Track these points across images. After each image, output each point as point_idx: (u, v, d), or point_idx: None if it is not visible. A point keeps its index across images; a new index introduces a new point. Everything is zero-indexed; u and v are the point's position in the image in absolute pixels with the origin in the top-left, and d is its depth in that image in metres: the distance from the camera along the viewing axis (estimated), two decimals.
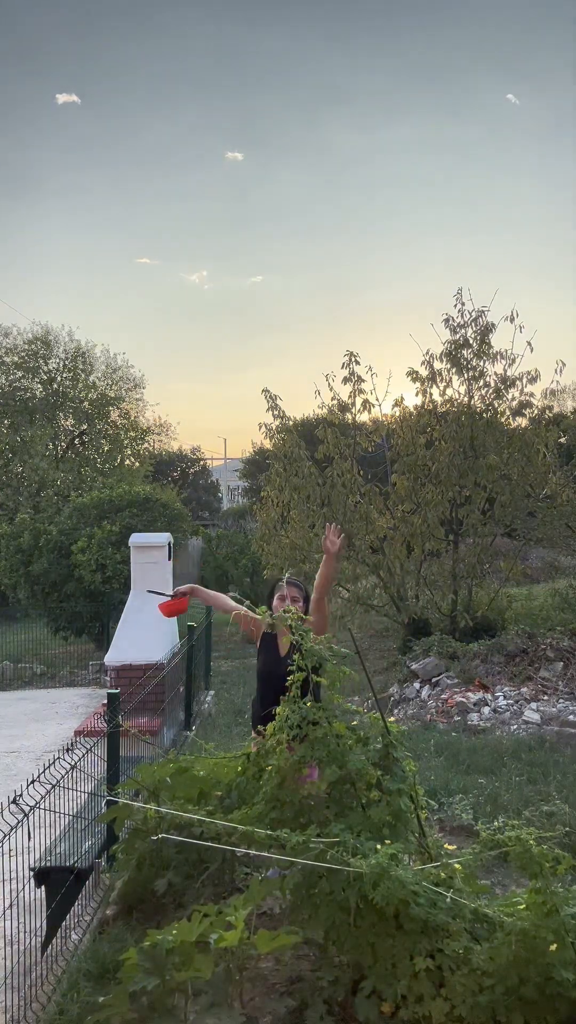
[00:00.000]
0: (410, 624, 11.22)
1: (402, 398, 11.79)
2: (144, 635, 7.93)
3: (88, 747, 4.15)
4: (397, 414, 11.73)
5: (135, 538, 8.77)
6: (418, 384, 11.54)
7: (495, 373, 11.41)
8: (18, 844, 3.08)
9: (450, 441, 10.97)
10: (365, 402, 11.44)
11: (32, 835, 3.15)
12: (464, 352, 11.39)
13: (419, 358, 11.64)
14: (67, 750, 3.82)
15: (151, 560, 8.51)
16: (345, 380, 11.28)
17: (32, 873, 3.81)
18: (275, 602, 4.24)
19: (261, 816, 3.11)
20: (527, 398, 11.40)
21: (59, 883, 3.80)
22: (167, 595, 4.38)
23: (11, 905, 3.41)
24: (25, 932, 3.69)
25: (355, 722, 3.31)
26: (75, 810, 4.19)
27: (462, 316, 11.38)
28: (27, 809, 3.09)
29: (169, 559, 8.78)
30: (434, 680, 9.32)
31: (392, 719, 4.39)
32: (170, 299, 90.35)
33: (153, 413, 46.71)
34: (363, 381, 11.26)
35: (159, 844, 3.51)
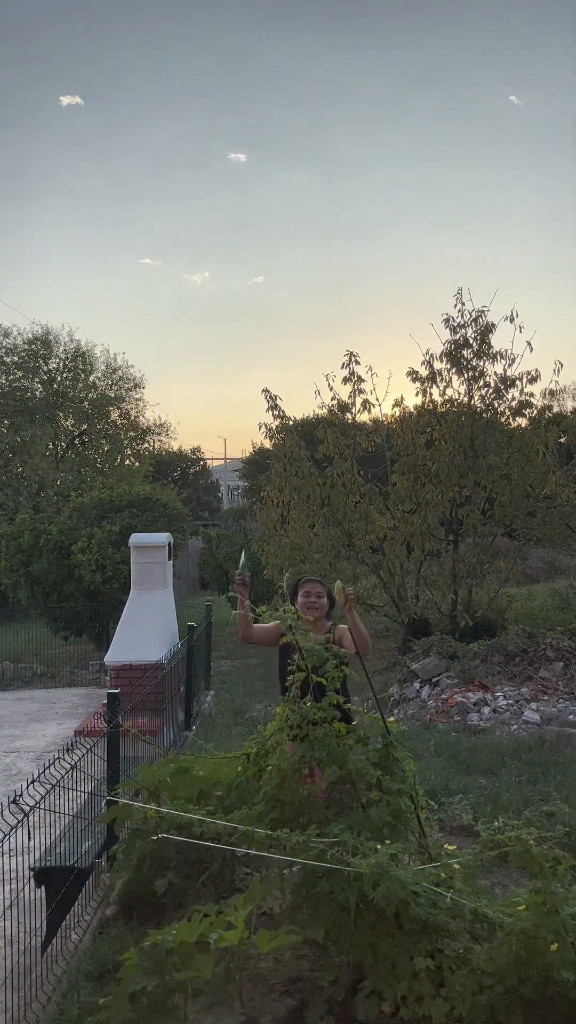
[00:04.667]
0: (410, 624, 11.20)
1: (402, 398, 11.78)
2: (144, 635, 7.93)
3: (88, 747, 4.15)
4: (397, 414, 11.73)
5: (135, 538, 8.76)
6: (418, 384, 11.53)
7: (495, 373, 11.40)
8: (18, 844, 3.08)
9: (450, 441, 10.95)
10: (365, 402, 11.43)
11: (32, 835, 3.15)
12: (464, 352, 11.37)
13: (419, 358, 11.65)
14: (67, 750, 3.83)
15: (151, 560, 8.50)
16: (345, 380, 11.27)
17: (32, 873, 3.81)
18: (299, 599, 4.16)
19: (261, 816, 3.12)
20: (527, 398, 11.36)
21: (59, 883, 3.80)
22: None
23: (11, 905, 3.41)
24: (25, 932, 3.69)
25: (355, 722, 3.31)
26: (75, 810, 4.18)
27: (462, 316, 11.37)
28: (27, 809, 3.09)
29: (169, 559, 8.77)
30: (434, 680, 9.31)
31: (392, 719, 4.39)
32: (172, 300, 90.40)
33: (153, 413, 46.82)
34: (363, 381, 11.25)
35: (159, 844, 3.51)
